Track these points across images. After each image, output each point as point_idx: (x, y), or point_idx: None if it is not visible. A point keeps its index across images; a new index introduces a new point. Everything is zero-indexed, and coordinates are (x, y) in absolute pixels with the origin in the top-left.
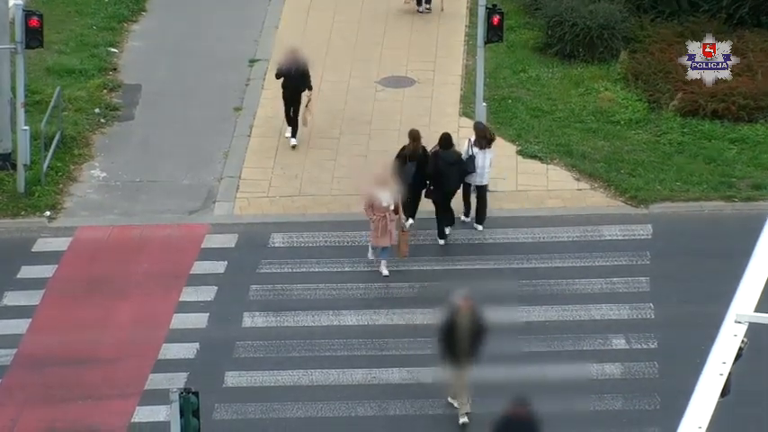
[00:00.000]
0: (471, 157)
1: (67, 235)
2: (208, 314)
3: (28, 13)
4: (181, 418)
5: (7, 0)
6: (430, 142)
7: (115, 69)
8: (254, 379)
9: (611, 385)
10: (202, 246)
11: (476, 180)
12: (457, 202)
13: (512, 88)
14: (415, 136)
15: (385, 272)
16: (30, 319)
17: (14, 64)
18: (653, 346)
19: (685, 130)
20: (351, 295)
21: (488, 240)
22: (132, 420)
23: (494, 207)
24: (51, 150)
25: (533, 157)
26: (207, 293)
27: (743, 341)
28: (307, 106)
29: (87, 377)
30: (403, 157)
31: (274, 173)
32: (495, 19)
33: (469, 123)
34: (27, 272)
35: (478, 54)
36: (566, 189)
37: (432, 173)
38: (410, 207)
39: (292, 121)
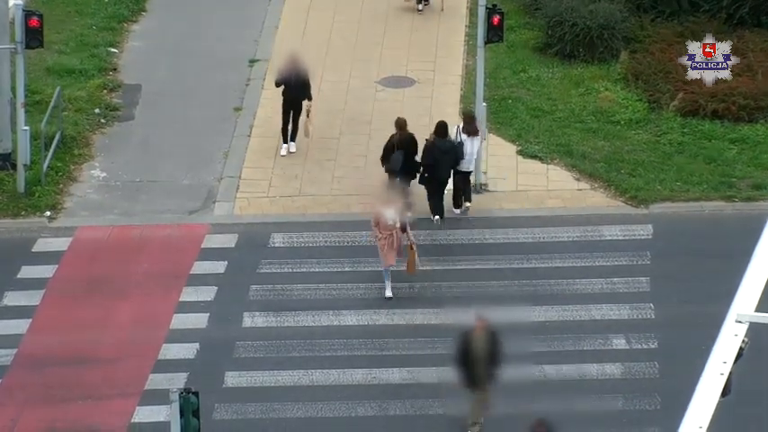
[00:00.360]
0: (460, 144)
1: (68, 235)
2: (208, 314)
3: (28, 13)
4: (181, 418)
5: (7, 0)
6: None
7: (115, 69)
8: (254, 379)
9: (612, 385)
10: (202, 246)
11: (462, 166)
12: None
13: (512, 88)
14: (401, 124)
15: (389, 293)
16: (30, 320)
17: (14, 64)
18: (653, 347)
19: (685, 130)
20: (351, 295)
21: (488, 240)
22: (132, 420)
23: (494, 207)
24: (51, 150)
25: (533, 157)
26: (207, 293)
27: (744, 341)
28: (308, 116)
29: (87, 377)
30: (391, 145)
31: (274, 173)
32: (496, 19)
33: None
34: (27, 272)
35: (478, 54)
36: (566, 189)
37: (427, 161)
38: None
39: (291, 131)
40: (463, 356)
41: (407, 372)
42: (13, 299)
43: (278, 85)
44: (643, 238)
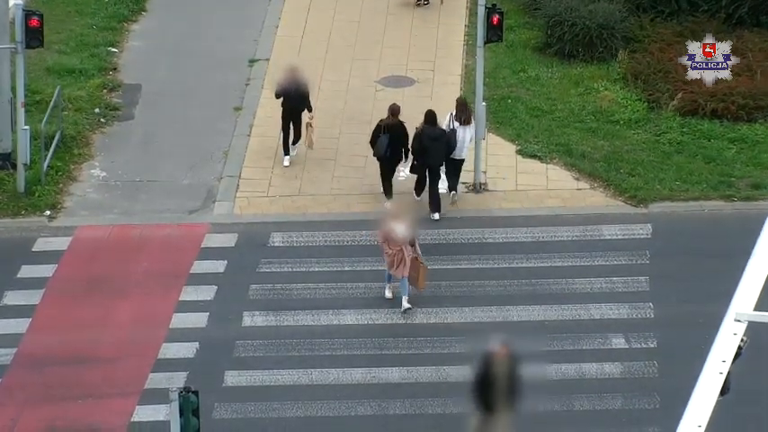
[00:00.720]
0: (452, 131)
1: (67, 234)
2: (208, 313)
3: (28, 13)
4: (180, 417)
5: (7, 0)
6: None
7: (115, 69)
8: (253, 378)
9: (611, 385)
10: (202, 245)
11: (454, 153)
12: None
13: (511, 88)
14: (394, 110)
15: (406, 305)
16: (30, 319)
17: (14, 64)
18: (652, 346)
19: (685, 129)
20: (350, 294)
21: (488, 240)
22: (132, 419)
23: (493, 206)
24: (51, 150)
25: (533, 156)
26: (207, 293)
27: (743, 340)
28: (310, 126)
29: (87, 376)
30: (379, 128)
31: (274, 172)
32: (495, 18)
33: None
34: (27, 271)
35: (478, 54)
36: (565, 188)
37: (416, 148)
38: (384, 181)
39: (293, 137)
40: (482, 381)
41: (407, 371)
42: (13, 298)
43: (278, 96)
44: (642, 237)
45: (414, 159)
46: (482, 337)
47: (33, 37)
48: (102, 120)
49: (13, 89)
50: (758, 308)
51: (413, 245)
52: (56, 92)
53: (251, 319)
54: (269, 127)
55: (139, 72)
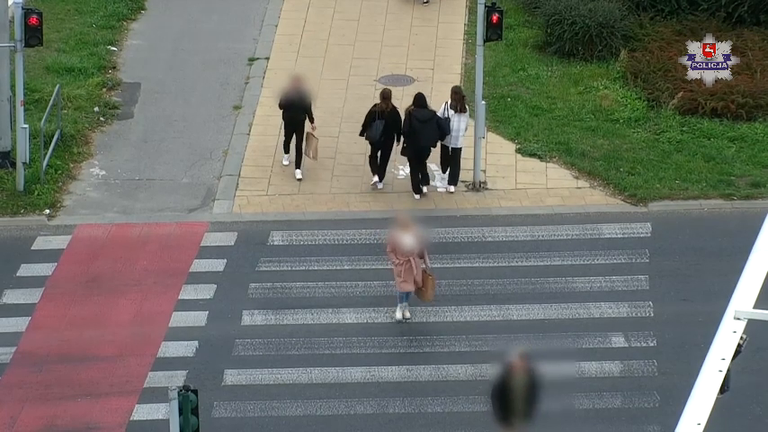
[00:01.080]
0: (447, 119)
1: (67, 233)
2: (207, 312)
3: (27, 12)
4: (180, 415)
5: None
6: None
7: (114, 68)
8: (253, 377)
9: (611, 383)
10: (202, 244)
11: (449, 142)
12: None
13: (511, 87)
14: (386, 95)
15: (407, 314)
16: (29, 317)
17: (14, 62)
18: (652, 344)
19: (684, 128)
20: (350, 293)
21: (488, 238)
22: (131, 418)
23: (493, 205)
24: (51, 149)
25: (533, 155)
26: (206, 291)
27: (742, 338)
28: (313, 137)
29: (86, 375)
30: (372, 113)
31: (273, 171)
32: (495, 17)
33: (469, 122)
34: (26, 270)
35: (478, 52)
36: (565, 187)
37: (406, 130)
38: (378, 165)
39: (295, 151)
40: (501, 392)
41: (406, 370)
42: (13, 297)
43: (281, 106)
44: (642, 236)
45: (404, 142)
46: (482, 337)
47: (33, 35)
48: (101, 118)
49: (13, 88)
50: (758, 306)
51: (422, 256)
52: (55, 90)
53: (250, 318)
54: (268, 126)
55: (139, 70)
